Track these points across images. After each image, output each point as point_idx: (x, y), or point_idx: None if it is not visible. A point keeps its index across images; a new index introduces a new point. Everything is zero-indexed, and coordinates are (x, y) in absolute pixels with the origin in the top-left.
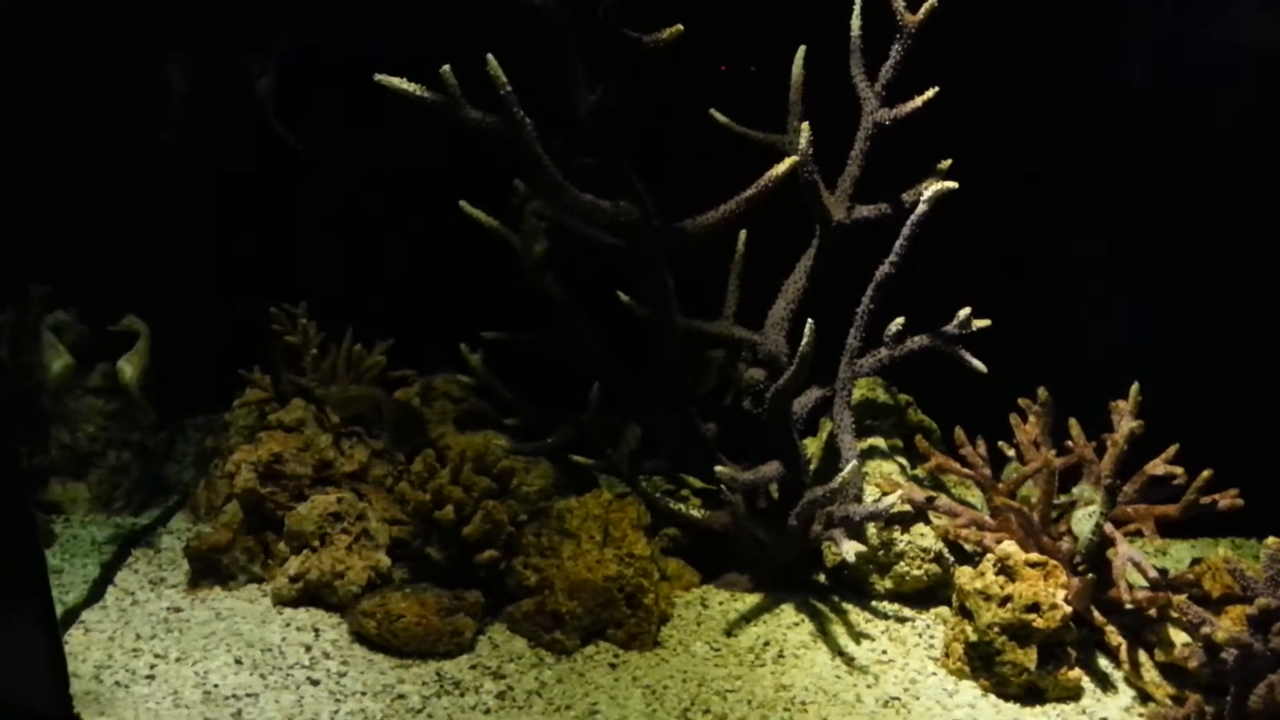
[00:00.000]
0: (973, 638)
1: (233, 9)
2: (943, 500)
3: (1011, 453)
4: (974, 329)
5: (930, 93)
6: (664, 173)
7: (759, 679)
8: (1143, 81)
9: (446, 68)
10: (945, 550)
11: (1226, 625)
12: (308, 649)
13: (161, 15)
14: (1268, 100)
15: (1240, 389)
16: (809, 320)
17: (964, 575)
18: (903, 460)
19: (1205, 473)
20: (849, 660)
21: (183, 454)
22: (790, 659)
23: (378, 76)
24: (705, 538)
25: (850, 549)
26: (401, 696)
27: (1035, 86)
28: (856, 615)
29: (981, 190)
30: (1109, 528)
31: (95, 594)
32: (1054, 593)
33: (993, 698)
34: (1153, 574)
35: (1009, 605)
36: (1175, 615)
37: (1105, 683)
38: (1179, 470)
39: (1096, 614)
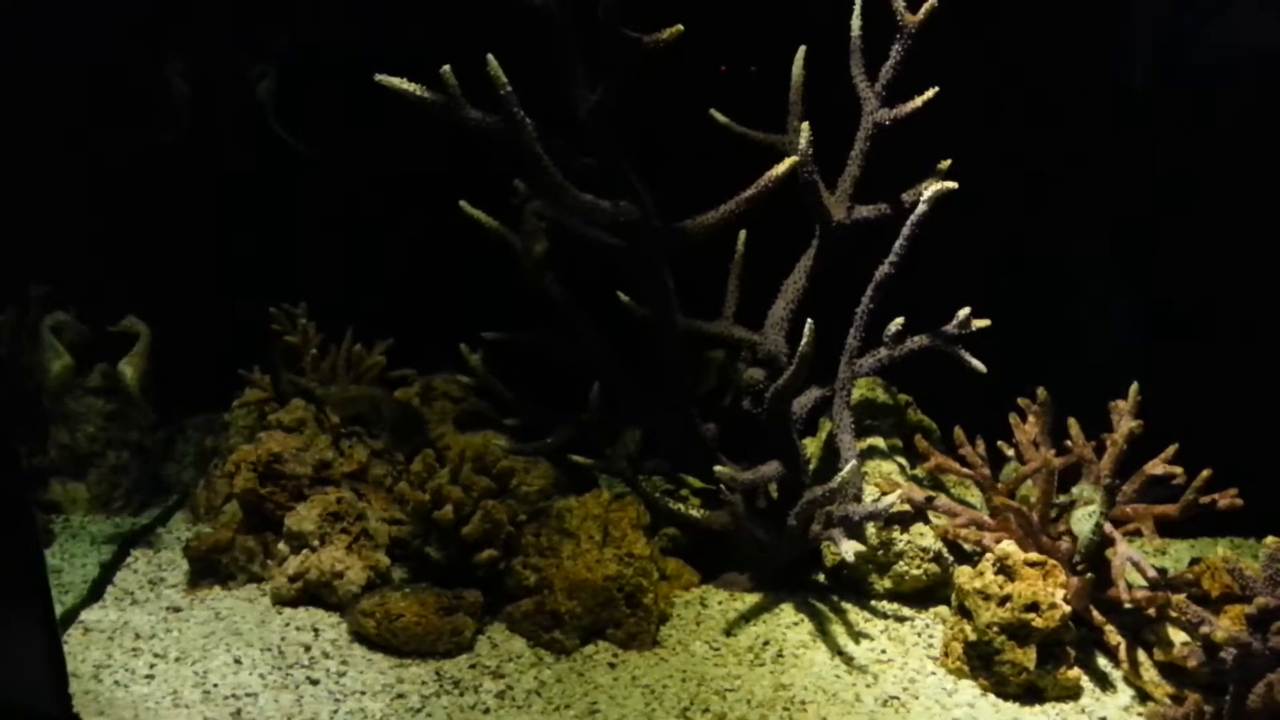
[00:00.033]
0: (972, 637)
1: (233, 10)
2: (942, 500)
3: (1011, 452)
4: (973, 329)
5: (930, 93)
6: (664, 173)
7: (758, 678)
8: (1143, 81)
9: (447, 68)
10: (944, 550)
11: (1225, 624)
12: (307, 648)
13: (161, 16)
14: (1268, 100)
15: (1239, 389)
16: (808, 320)
17: (963, 575)
18: (902, 460)
19: (1204, 472)
20: (848, 659)
21: (182, 454)
22: (789, 658)
23: (378, 77)
24: (705, 537)
25: (849, 548)
26: (401, 696)
27: (1035, 86)
28: (856, 615)
29: (981, 190)
30: (1108, 527)
31: (95, 593)
32: (1053, 592)
33: (992, 697)
34: (1152, 573)
35: (1008, 605)
36: (1174, 614)
37: (1104, 682)
38: (1178, 470)
39: (1095, 613)
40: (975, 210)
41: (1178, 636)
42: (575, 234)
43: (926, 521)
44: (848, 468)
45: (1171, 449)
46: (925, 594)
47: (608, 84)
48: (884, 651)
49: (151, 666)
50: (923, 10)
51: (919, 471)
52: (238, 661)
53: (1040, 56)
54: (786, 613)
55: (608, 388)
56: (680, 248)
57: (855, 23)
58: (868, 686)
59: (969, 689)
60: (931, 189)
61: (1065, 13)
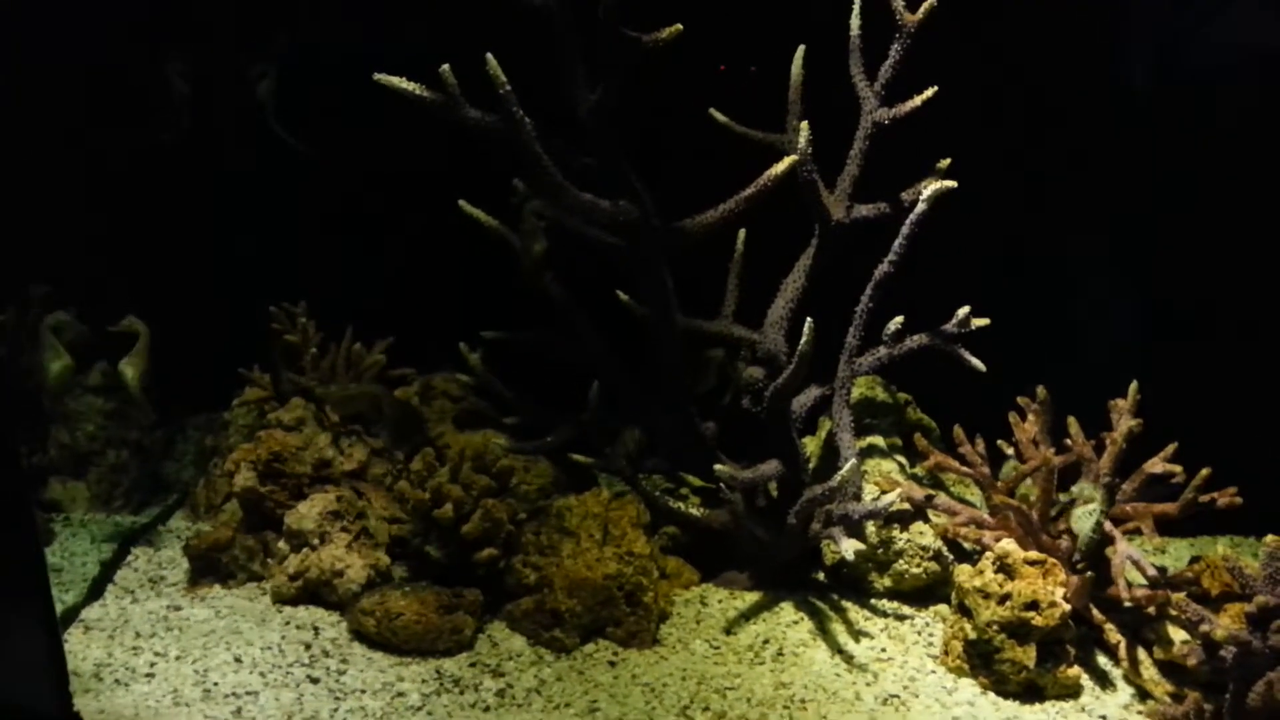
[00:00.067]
0: (972, 635)
1: (233, 10)
2: (942, 498)
3: (1010, 451)
4: (973, 328)
5: (929, 92)
6: (663, 172)
7: (758, 677)
8: (1143, 81)
9: (446, 67)
10: (944, 548)
11: (1225, 623)
12: (307, 647)
13: (162, 16)
14: (1268, 100)
15: (1239, 388)
16: (808, 319)
17: (963, 573)
18: (902, 459)
19: (1204, 471)
20: (848, 658)
21: (182, 453)
22: (789, 657)
23: (377, 76)
24: (704, 536)
25: (849, 547)
26: (401, 694)
27: (1035, 86)
28: (855, 613)
29: (981, 190)
30: (1108, 526)
31: (95, 592)
32: (1053, 591)
33: (992, 695)
34: (1151, 572)
35: (1008, 603)
36: (1174, 613)
37: (1104, 680)
38: (1178, 468)
39: (1095, 612)
40: (975, 209)
41: (1178, 635)
42: (574, 233)
43: (926, 520)
44: (847, 466)
45: (1171, 447)
46: (925, 592)
47: (607, 83)
48: (884, 650)
49: (152, 665)
50: (922, 9)
51: (919, 470)
52: (238, 660)
53: (1040, 56)
54: (786, 611)
55: (607, 387)
56: (679, 247)
57: (854, 22)
58: (868, 685)
59: (969, 687)
60: (931, 188)
61: (1065, 13)
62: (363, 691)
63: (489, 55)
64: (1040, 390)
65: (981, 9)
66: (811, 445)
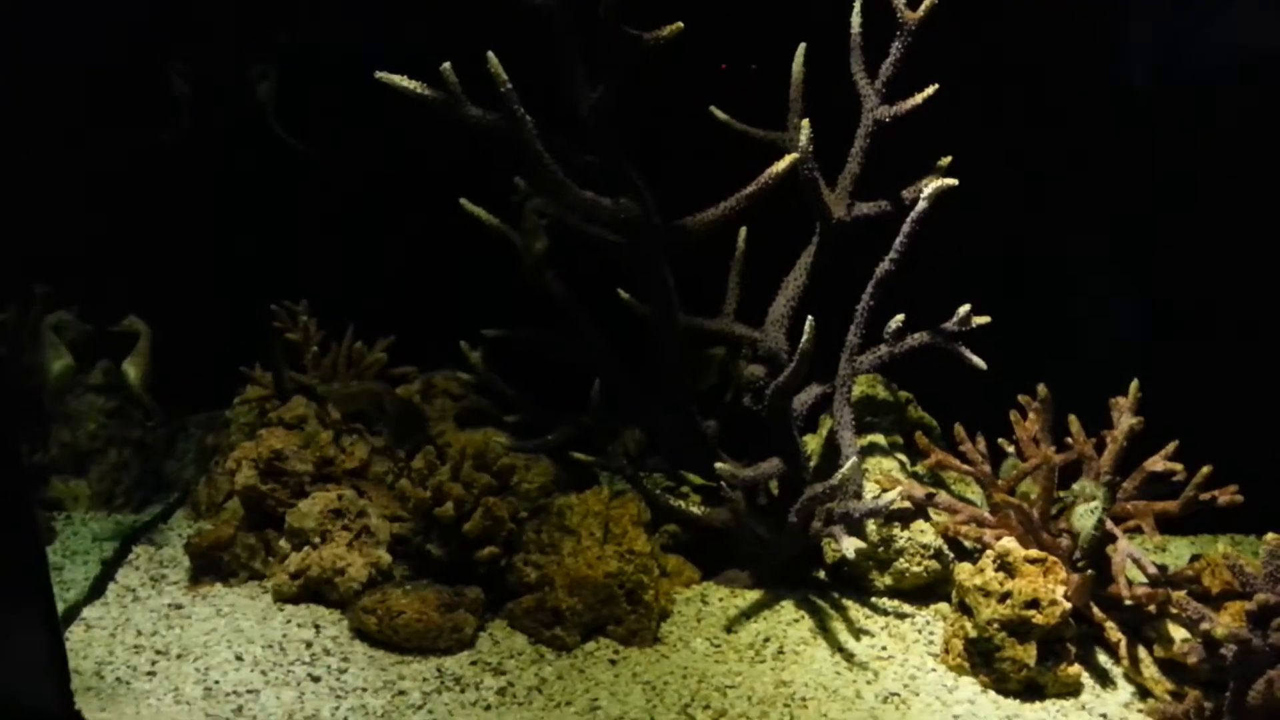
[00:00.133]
0: (972, 634)
1: (233, 10)
2: (942, 497)
3: (1011, 449)
4: (974, 326)
5: (930, 90)
6: (664, 170)
7: (759, 675)
8: (1143, 81)
9: (447, 65)
10: (945, 547)
11: (1226, 621)
12: (308, 645)
13: (162, 16)
14: (1268, 100)
15: (1239, 386)
16: (809, 317)
17: (964, 572)
18: (902, 457)
19: (1204, 469)
20: (849, 656)
21: (183, 451)
22: (790, 655)
23: (378, 74)
24: (705, 534)
25: (850, 545)
26: (402, 693)
27: (1035, 86)
28: (856, 612)
29: (982, 188)
30: (1108, 524)
31: (96, 591)
32: (1053, 589)
33: (992, 694)
34: (1152, 570)
35: (1008, 601)
36: (1174, 611)
37: (1105, 679)
38: (1178, 467)
39: (1096, 610)
40: (976, 208)
41: (1178, 633)
42: (576, 231)
43: (927, 518)
44: (848, 465)
45: (1172, 446)
46: (926, 591)
47: (608, 82)
48: (884, 648)
49: (153, 663)
50: (922, 8)
51: (919, 468)
52: (239, 658)
53: (1040, 56)
54: (787, 609)
55: (608, 385)
56: (680, 245)
57: (855, 20)
58: (868, 683)
59: (969, 686)
60: (932, 186)
61: (1065, 13)
62: (364, 690)
63: (490, 54)
64: (1041, 388)
65: (982, 8)
66: (812, 443)
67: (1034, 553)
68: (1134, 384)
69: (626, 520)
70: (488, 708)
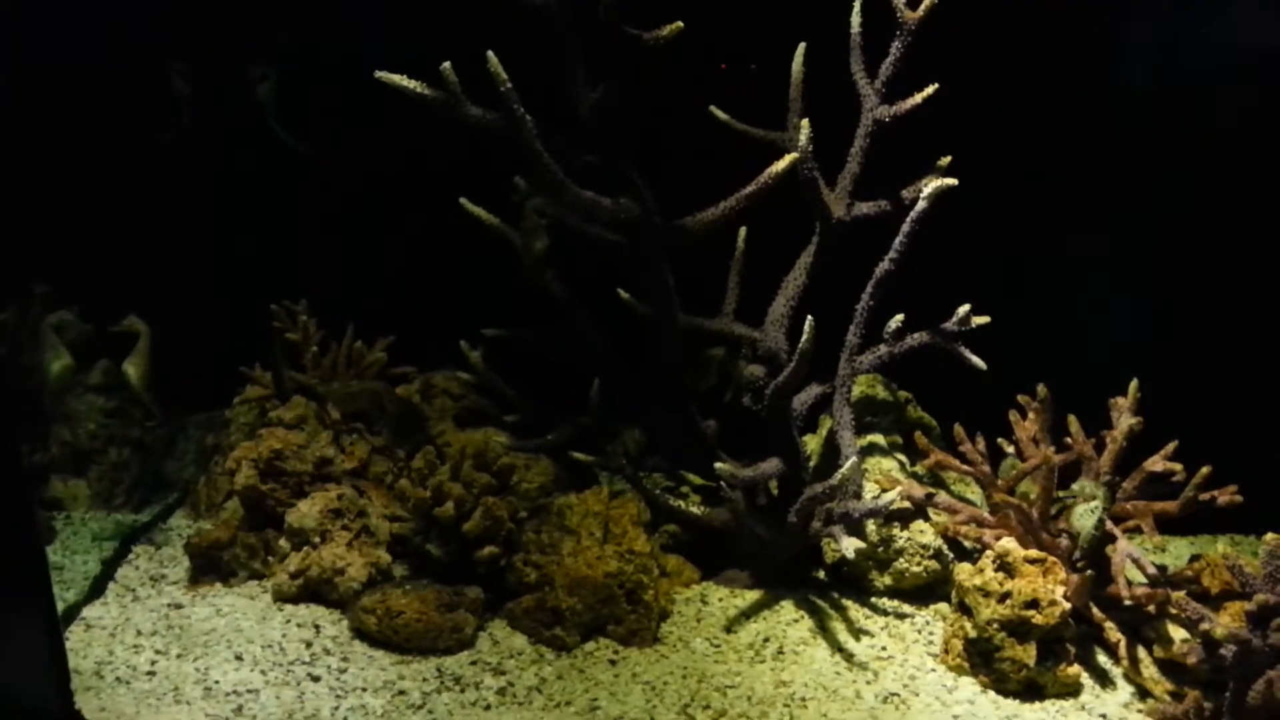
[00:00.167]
0: (972, 634)
1: (233, 11)
2: (942, 497)
3: (1010, 449)
4: (973, 326)
5: (930, 90)
6: (664, 170)
7: (759, 675)
8: (1143, 81)
9: (447, 65)
10: (944, 547)
11: (1225, 621)
12: (308, 645)
13: (162, 16)
14: (1268, 100)
15: (1239, 386)
16: (809, 317)
17: (963, 572)
18: (902, 457)
19: (1204, 469)
20: (848, 656)
21: (183, 451)
22: (790, 655)
23: (378, 74)
24: (705, 534)
25: (850, 545)
26: (402, 692)
27: (1035, 86)
28: (856, 612)
29: (981, 188)
30: (1108, 524)
31: (96, 590)
32: (1053, 589)
33: (992, 694)
34: (1151, 570)
35: (1008, 602)
36: (1174, 611)
37: (1104, 679)
38: (1178, 467)
39: (1095, 610)
40: (975, 208)
41: (1177, 633)
42: (575, 231)
43: (927, 518)
44: (848, 465)
45: (1171, 446)
46: (925, 591)
47: (608, 82)
48: (884, 648)
49: (153, 663)
50: (922, 7)
51: (919, 468)
52: (239, 658)
53: (1040, 56)
54: (787, 610)
55: (608, 385)
56: (680, 245)
57: (855, 20)
58: (868, 683)
59: (969, 686)
60: (931, 186)
61: (1065, 13)
62: (364, 689)
63: (490, 53)
64: (1040, 388)
65: (982, 8)
66: (812, 443)
67: (1033, 553)
68: (1133, 384)
69: (626, 520)
70: (487, 707)
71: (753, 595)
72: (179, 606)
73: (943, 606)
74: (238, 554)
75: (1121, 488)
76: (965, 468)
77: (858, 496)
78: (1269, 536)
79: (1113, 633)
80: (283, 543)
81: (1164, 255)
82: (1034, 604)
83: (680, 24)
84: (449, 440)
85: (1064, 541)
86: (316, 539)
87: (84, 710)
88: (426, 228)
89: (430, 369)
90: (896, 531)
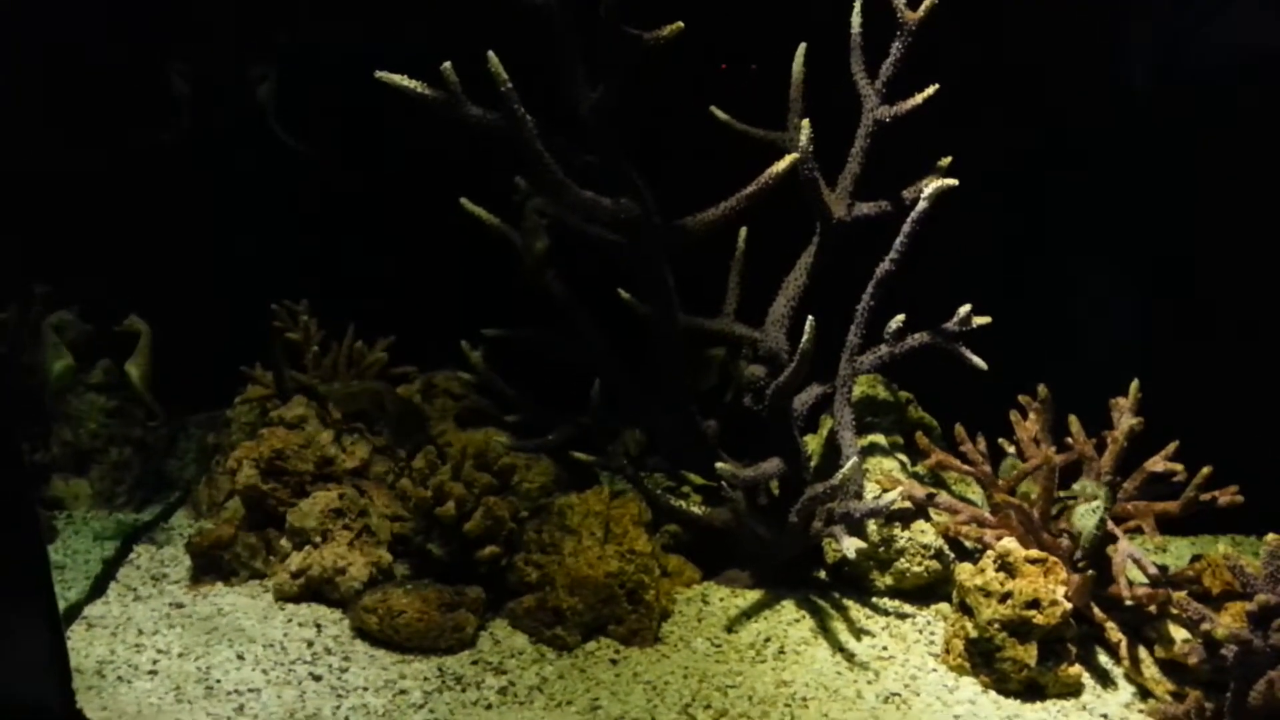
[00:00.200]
0: (973, 634)
1: (233, 11)
2: (943, 497)
3: (1011, 449)
4: (974, 326)
5: (930, 90)
6: (664, 170)
7: (760, 675)
8: (1143, 81)
9: (448, 65)
10: (945, 547)
11: (1226, 622)
12: (310, 644)
13: (162, 16)
14: (1268, 100)
15: (1239, 386)
16: (809, 317)
17: (964, 572)
18: (903, 457)
19: (1205, 469)
20: (849, 656)
21: (184, 450)
22: (791, 655)
23: (379, 74)
24: (706, 534)
25: (851, 545)
26: (403, 692)
27: (1035, 86)
28: (857, 612)
29: (982, 188)
30: (1109, 524)
31: (97, 589)
32: (1054, 589)
33: (993, 694)
34: (1153, 570)
35: (1009, 602)
36: (1175, 612)
37: (1105, 679)
38: (1179, 467)
39: (1096, 610)
40: (976, 208)
41: (1179, 634)
42: (576, 231)
43: (928, 518)
44: (849, 465)
45: (1172, 446)
46: (926, 591)
47: (609, 82)
48: (885, 648)
49: (154, 662)
50: (923, 8)
51: (920, 469)
52: (240, 657)
53: (1040, 56)
54: (788, 609)
55: (608, 385)
56: (681, 245)
57: (855, 20)
58: (869, 683)
59: (970, 686)
60: (932, 186)
61: (1065, 13)
62: (365, 689)
63: (490, 53)
64: (1041, 389)
65: (982, 8)
66: (813, 443)
67: (1034, 553)
68: (1134, 384)
69: (627, 520)
70: (489, 707)
71: (754, 595)
72: (180, 606)
73: (944, 606)
74: (239, 553)
75: (1122, 488)
76: (966, 468)
77: (859, 496)
78: (1270, 537)
79: (1114, 633)
80: (284, 542)
81: (1164, 255)
82: (1035, 604)
83: (681, 24)
84: (450, 440)
85: (1065, 541)
86: (318, 538)
87: (85, 709)
88: (427, 228)
89: (431, 369)
90: (898, 531)
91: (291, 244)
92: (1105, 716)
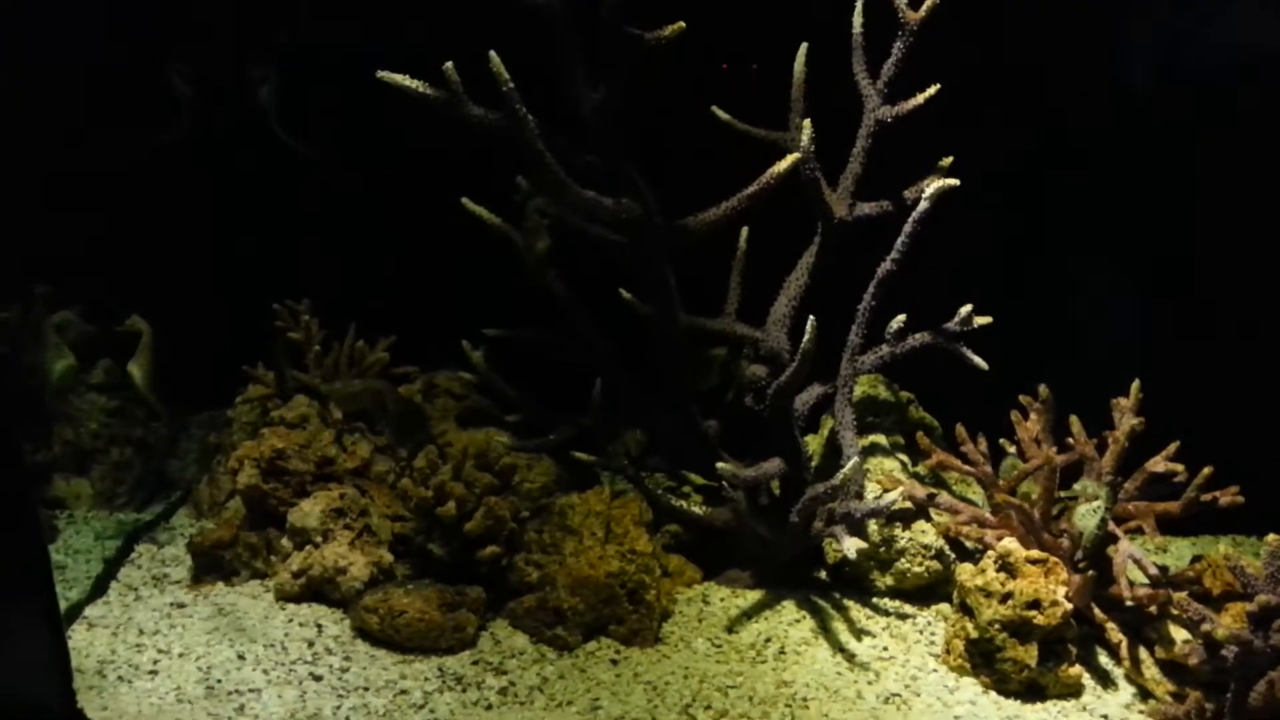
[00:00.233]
0: (974, 634)
1: (234, 11)
2: (944, 497)
3: (1012, 449)
4: (975, 326)
5: (932, 90)
6: (666, 170)
7: (760, 675)
8: (1143, 81)
9: (449, 65)
10: (946, 547)
11: (1227, 622)
12: (310, 644)
13: (162, 16)
14: (1268, 100)
15: (1240, 387)
16: (810, 317)
17: (965, 572)
18: (904, 457)
19: (1206, 470)
20: (850, 657)
21: (186, 450)
22: (791, 655)
23: (380, 74)
24: (707, 534)
25: (851, 546)
26: (404, 692)
27: (1035, 86)
28: (857, 612)
29: (982, 188)
30: (1110, 524)
31: (98, 589)
32: (1055, 589)
33: (993, 694)
34: (1153, 571)
35: (1010, 602)
36: (1176, 612)
37: (1106, 680)
38: (1179, 467)
39: (1097, 611)
40: (977, 208)
41: (1179, 634)
42: (577, 231)
43: (928, 519)
44: (850, 465)
45: (1173, 446)
46: (927, 591)
47: (610, 82)
48: (886, 649)
49: (155, 662)
50: (924, 8)
51: (921, 469)
52: (241, 657)
53: (1040, 56)
54: (788, 610)
55: (609, 385)
56: (682, 245)
57: (857, 20)
58: (869, 684)
59: (971, 686)
60: (933, 186)
61: (1065, 13)
62: (366, 689)
63: (492, 53)
64: (1042, 389)
65: (982, 8)
66: (814, 444)
67: (1035, 553)
68: (1135, 384)
69: (628, 520)
70: (489, 707)
71: (754, 595)
72: (181, 605)
73: (944, 607)
74: (240, 553)
75: (1123, 488)
76: (967, 468)
77: (859, 497)
78: (1270, 537)
79: (1114, 633)
80: (285, 542)
81: (1164, 255)
82: (1035, 604)
83: (682, 24)
84: (451, 440)
85: (1065, 542)
86: (319, 538)
87: (86, 709)
88: (428, 228)
89: (432, 369)
90: (898, 532)
91: (293, 244)
92: (1106, 717)
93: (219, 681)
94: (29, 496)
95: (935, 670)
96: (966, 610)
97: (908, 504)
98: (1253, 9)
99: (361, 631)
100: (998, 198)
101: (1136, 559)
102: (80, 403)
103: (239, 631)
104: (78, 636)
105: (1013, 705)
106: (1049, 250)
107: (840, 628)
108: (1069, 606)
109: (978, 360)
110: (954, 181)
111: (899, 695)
